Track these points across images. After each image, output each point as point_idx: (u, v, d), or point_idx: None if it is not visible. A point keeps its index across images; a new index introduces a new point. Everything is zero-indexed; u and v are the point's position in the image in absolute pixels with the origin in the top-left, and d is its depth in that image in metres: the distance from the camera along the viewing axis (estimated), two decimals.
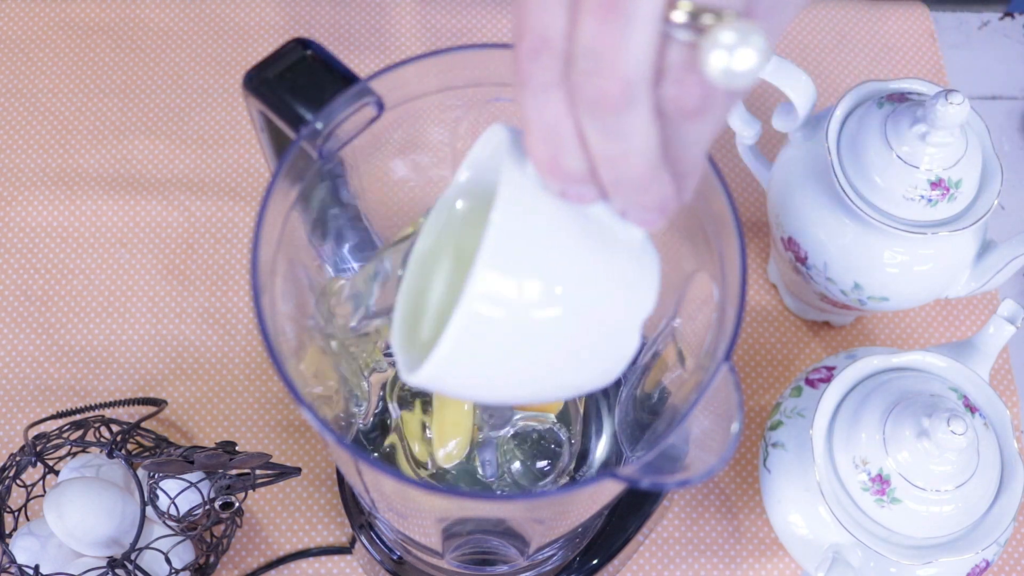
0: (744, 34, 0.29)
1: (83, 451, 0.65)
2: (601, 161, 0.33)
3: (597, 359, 0.40)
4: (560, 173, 0.35)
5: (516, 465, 0.57)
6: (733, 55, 0.29)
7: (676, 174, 0.34)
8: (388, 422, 0.58)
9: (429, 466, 0.56)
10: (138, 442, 0.65)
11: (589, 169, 0.34)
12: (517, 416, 0.57)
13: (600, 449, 0.59)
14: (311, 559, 0.68)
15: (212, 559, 0.63)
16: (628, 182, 0.34)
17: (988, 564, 0.59)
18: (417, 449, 0.56)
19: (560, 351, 0.38)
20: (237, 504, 0.61)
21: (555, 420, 0.58)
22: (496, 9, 0.86)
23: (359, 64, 0.82)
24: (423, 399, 0.57)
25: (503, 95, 0.46)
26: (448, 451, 0.55)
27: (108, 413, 0.69)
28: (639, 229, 0.39)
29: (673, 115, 0.32)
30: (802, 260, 0.67)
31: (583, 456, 0.58)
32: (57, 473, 0.64)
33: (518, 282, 0.36)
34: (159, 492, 0.60)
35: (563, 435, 0.58)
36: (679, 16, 0.30)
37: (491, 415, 0.57)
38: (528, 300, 0.37)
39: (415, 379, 0.39)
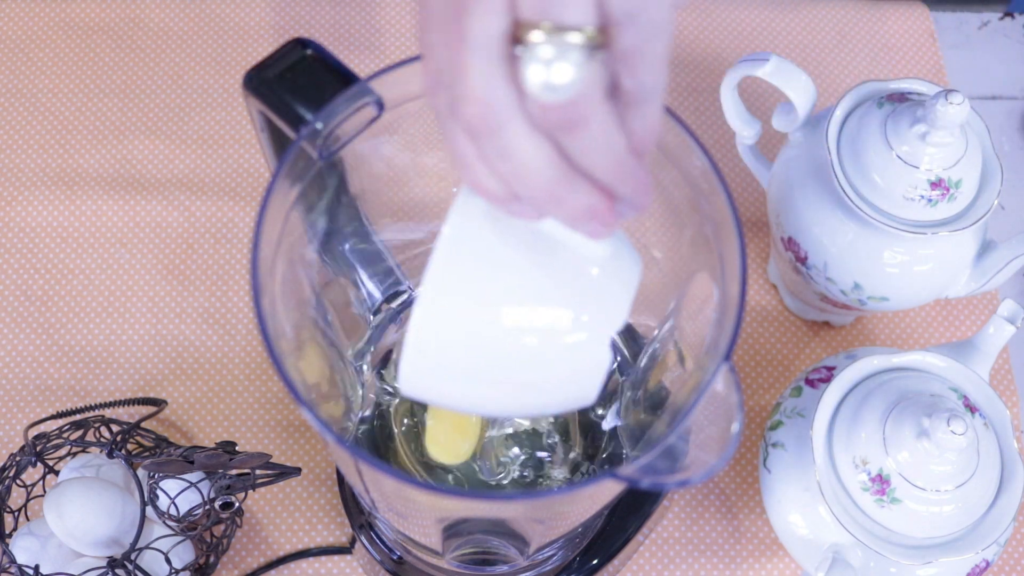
0: (563, 49, 0.29)
1: (83, 451, 0.65)
2: (506, 180, 0.34)
3: (566, 373, 0.40)
4: (487, 195, 0.36)
5: (515, 465, 0.57)
6: (551, 69, 0.30)
7: (601, 183, 0.35)
8: (386, 418, 0.58)
9: (428, 456, 0.56)
10: (138, 442, 0.65)
11: (509, 188, 0.35)
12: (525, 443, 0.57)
13: (603, 449, 0.59)
14: (311, 559, 0.68)
15: (212, 559, 0.63)
16: (540, 197, 0.35)
17: (988, 564, 0.59)
18: (426, 446, 0.56)
19: (523, 365, 0.39)
20: (237, 504, 0.61)
21: (551, 420, 0.58)
22: None
23: (359, 64, 0.82)
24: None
25: None
26: (460, 449, 0.55)
27: (108, 413, 0.69)
28: (603, 243, 0.39)
29: (550, 130, 0.33)
30: (802, 260, 0.67)
31: (586, 456, 0.58)
32: (57, 473, 0.64)
33: (466, 298, 0.37)
34: (159, 492, 0.60)
35: (557, 436, 0.58)
36: (537, 36, 0.30)
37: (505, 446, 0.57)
38: (478, 315, 0.38)
39: (400, 388, 0.41)
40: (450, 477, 0.57)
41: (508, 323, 0.38)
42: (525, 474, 0.57)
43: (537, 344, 0.38)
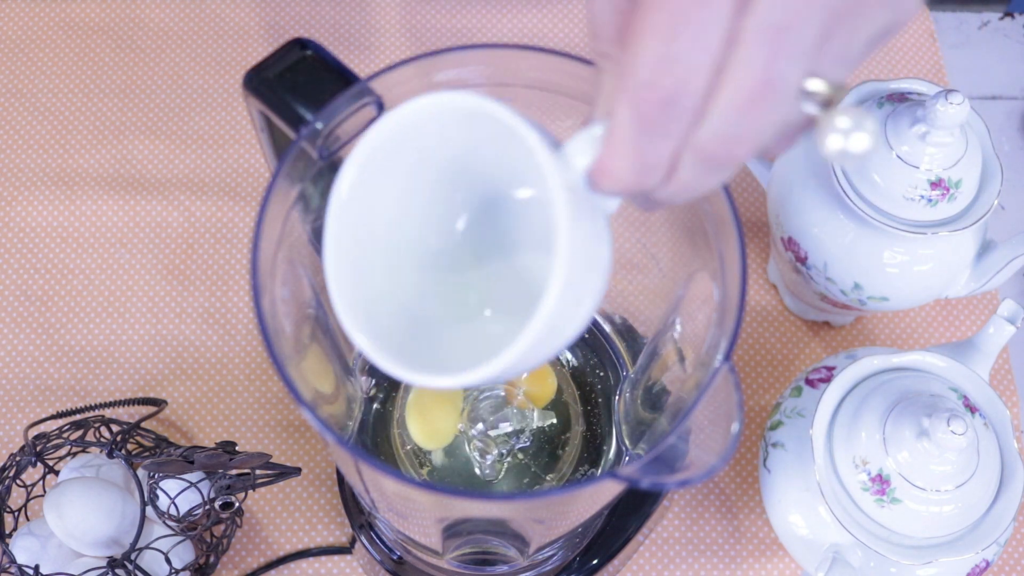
0: (858, 119, 0.32)
1: (83, 451, 0.65)
2: (677, 191, 0.36)
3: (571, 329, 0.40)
4: (623, 189, 0.35)
5: (513, 462, 0.57)
6: (848, 138, 0.32)
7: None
8: (385, 416, 0.58)
9: (418, 446, 0.56)
10: (138, 442, 0.65)
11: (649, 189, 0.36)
12: (511, 417, 0.57)
13: (605, 448, 0.59)
14: (311, 559, 0.68)
15: (212, 559, 0.63)
16: (683, 198, 0.36)
17: (988, 564, 0.59)
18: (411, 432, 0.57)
19: (562, 329, 0.39)
20: (237, 504, 0.61)
21: (553, 419, 0.58)
22: (495, 10, 0.86)
23: (358, 64, 0.82)
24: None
25: (504, 95, 0.46)
26: (441, 433, 0.56)
27: (108, 413, 0.69)
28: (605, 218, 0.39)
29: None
30: (802, 260, 0.67)
31: (587, 456, 0.58)
32: (57, 473, 0.64)
33: (579, 285, 0.37)
34: (159, 492, 0.60)
35: (560, 432, 0.58)
36: (838, 112, 0.33)
37: (488, 415, 0.57)
38: (576, 298, 0.37)
39: (447, 381, 0.38)
40: (436, 459, 0.57)
41: (586, 300, 0.38)
42: (523, 472, 0.57)
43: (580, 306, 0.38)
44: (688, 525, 0.70)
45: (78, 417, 0.67)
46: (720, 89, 0.32)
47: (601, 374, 0.60)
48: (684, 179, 0.35)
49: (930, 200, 0.61)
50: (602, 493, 0.49)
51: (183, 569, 0.61)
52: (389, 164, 0.39)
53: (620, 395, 0.59)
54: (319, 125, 0.43)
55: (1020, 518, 0.70)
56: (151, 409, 0.69)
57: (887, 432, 0.56)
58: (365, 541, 0.63)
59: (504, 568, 0.60)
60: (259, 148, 0.59)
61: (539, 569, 0.62)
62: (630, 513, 0.64)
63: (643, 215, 0.51)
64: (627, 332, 0.60)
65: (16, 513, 0.63)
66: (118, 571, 0.59)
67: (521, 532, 0.55)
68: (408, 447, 0.57)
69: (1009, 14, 0.89)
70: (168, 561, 0.60)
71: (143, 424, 0.66)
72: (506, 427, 0.57)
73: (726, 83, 0.32)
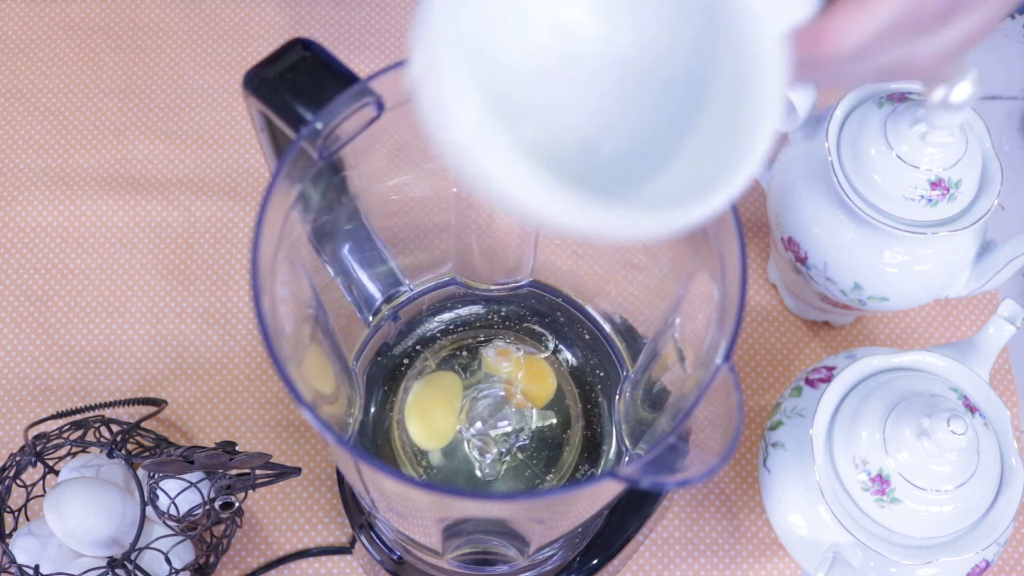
0: (963, 72, 0.39)
1: (83, 451, 0.65)
2: (835, 80, 0.38)
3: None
4: (825, 58, 0.36)
5: (513, 462, 0.57)
6: (952, 90, 0.39)
7: None
8: (385, 416, 0.58)
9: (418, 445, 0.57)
10: (138, 442, 0.65)
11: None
12: (511, 416, 0.57)
13: (605, 448, 0.59)
14: (311, 559, 0.68)
15: (212, 559, 0.63)
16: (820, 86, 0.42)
17: (988, 564, 0.59)
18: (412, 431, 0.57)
19: None
20: (237, 504, 0.61)
21: (553, 419, 0.58)
22: None
23: (359, 64, 0.82)
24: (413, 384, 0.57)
25: None
26: (440, 432, 0.56)
27: (108, 413, 0.69)
28: None
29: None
30: (802, 260, 0.67)
31: (587, 456, 0.58)
32: (57, 473, 0.64)
33: None
34: (159, 492, 0.60)
35: (560, 432, 0.58)
36: None
37: (487, 414, 0.57)
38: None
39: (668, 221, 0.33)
40: (435, 459, 0.57)
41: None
42: (523, 471, 0.57)
43: None
44: (688, 525, 0.70)
45: (78, 417, 0.67)
46: (962, 17, 0.37)
47: (601, 374, 0.60)
48: (859, 72, 0.37)
49: (930, 200, 0.61)
50: (602, 493, 0.49)
51: (183, 569, 0.61)
52: None
53: (620, 395, 0.59)
54: (319, 125, 0.43)
55: (1020, 518, 0.70)
56: (151, 409, 0.69)
57: (887, 432, 0.56)
58: (365, 541, 0.63)
59: (504, 568, 0.60)
60: (259, 148, 0.59)
61: (539, 569, 0.62)
62: (630, 513, 0.64)
63: None
64: (627, 332, 0.60)
65: (16, 513, 0.63)
66: (118, 571, 0.59)
67: (521, 532, 0.55)
68: (408, 447, 0.57)
69: (1009, 14, 0.89)
70: (168, 561, 0.60)
71: (143, 424, 0.66)
72: (505, 426, 0.57)
73: (970, 15, 0.37)
